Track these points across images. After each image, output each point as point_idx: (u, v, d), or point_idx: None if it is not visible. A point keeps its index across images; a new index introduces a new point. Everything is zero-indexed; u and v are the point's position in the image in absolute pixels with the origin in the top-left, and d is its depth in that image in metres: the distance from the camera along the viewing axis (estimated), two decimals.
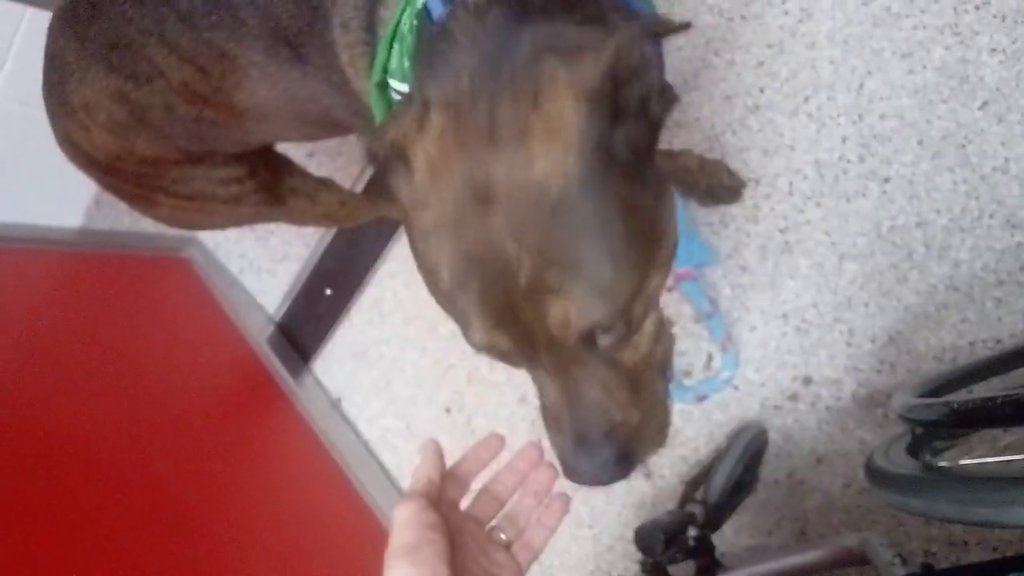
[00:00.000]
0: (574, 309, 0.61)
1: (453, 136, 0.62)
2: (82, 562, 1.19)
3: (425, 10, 0.72)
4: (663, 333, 0.76)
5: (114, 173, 1.14)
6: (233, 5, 0.87)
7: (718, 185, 1.47)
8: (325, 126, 1.06)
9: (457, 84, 0.64)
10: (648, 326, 0.72)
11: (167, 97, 0.98)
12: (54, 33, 1.02)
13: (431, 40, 0.71)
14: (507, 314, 0.63)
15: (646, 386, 0.74)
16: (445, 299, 0.66)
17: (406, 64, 0.75)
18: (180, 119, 1.02)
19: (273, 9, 0.85)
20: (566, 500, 0.84)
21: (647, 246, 0.65)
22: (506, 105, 0.61)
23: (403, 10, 0.74)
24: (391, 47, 0.76)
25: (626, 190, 0.62)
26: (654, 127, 0.64)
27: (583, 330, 0.62)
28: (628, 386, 0.71)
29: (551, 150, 0.59)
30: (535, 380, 0.74)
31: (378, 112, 0.81)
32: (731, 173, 1.48)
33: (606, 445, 0.71)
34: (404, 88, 0.76)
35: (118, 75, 0.97)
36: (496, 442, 0.86)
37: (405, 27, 0.74)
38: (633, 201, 0.63)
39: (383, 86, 0.78)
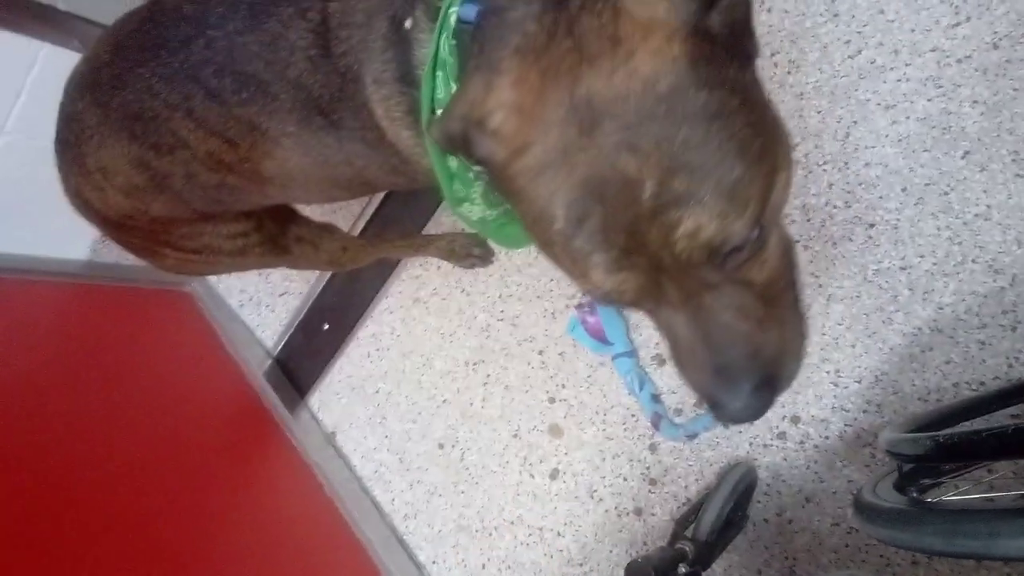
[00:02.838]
0: (705, 217, 0.56)
1: (537, 74, 0.61)
2: None
3: (459, 22, 0.73)
4: (789, 245, 0.71)
5: (123, 229, 1.15)
6: (263, 81, 0.89)
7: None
8: (354, 187, 1.08)
9: (522, 33, 0.63)
10: (774, 238, 0.66)
11: (190, 166, 1.00)
12: (72, 95, 1.03)
13: (474, 34, 0.71)
14: (630, 243, 0.59)
15: (778, 300, 0.68)
16: (560, 244, 0.62)
17: (453, 88, 0.76)
18: (201, 185, 1.04)
19: (304, 81, 0.87)
20: None
21: (768, 134, 0.61)
22: (587, 22, 0.59)
23: (439, 36, 0.75)
24: (435, 77, 0.76)
25: (733, 71, 0.59)
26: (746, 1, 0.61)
27: (715, 240, 0.58)
28: (762, 304, 0.66)
29: (651, 43, 0.57)
30: (660, 321, 0.68)
31: (434, 152, 0.81)
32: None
33: (749, 372, 0.65)
34: None
35: (140, 144, 0.98)
36: None
37: (444, 51, 0.75)
38: (742, 83, 0.60)
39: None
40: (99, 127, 1.00)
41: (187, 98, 0.92)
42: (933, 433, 0.98)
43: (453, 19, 0.74)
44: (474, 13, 0.72)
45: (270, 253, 1.32)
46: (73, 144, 1.04)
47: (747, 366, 0.65)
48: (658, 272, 0.61)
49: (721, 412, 0.67)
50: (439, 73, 0.76)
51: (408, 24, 0.81)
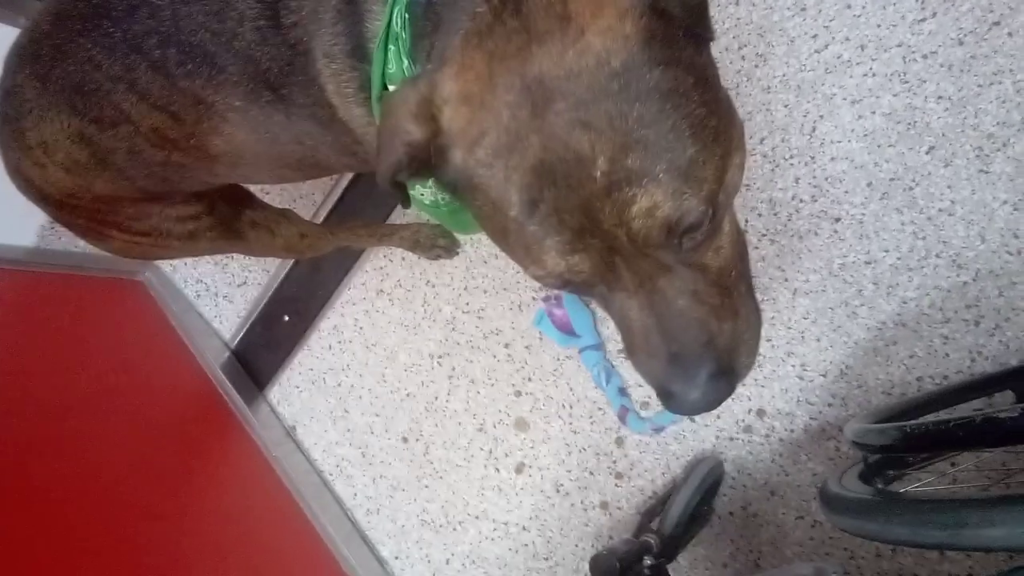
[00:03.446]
0: (660, 194, 0.55)
1: (483, 59, 0.59)
2: None
3: None
4: (741, 235, 0.70)
5: (67, 208, 1.10)
6: (209, 52, 0.84)
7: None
8: (306, 168, 1.04)
9: (472, 15, 0.62)
10: (727, 224, 0.66)
11: (133, 141, 0.96)
12: (12, 68, 0.98)
13: (426, 11, 0.69)
14: (585, 223, 0.57)
15: (732, 290, 0.66)
16: (515, 231, 0.60)
17: (405, 63, 0.74)
18: (145, 162, 0.99)
19: (252, 53, 0.83)
20: None
21: (722, 115, 0.60)
22: (535, 2, 0.57)
23: (392, 10, 0.73)
24: (387, 50, 0.74)
25: (689, 52, 0.58)
26: None
27: (671, 218, 0.56)
28: (718, 291, 0.64)
29: (603, 21, 0.55)
30: (613, 307, 0.66)
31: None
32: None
33: (705, 359, 0.63)
34: None
35: (81, 118, 0.94)
36: None
37: (398, 25, 0.73)
38: (698, 64, 0.59)
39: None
40: (38, 100, 0.95)
41: (130, 70, 0.88)
42: (900, 423, 0.98)
43: None
44: None
45: (223, 238, 1.27)
46: (12, 119, 0.99)
47: (702, 353, 0.63)
48: (612, 254, 0.60)
49: (675, 402, 0.65)
50: (391, 47, 0.74)
51: None
